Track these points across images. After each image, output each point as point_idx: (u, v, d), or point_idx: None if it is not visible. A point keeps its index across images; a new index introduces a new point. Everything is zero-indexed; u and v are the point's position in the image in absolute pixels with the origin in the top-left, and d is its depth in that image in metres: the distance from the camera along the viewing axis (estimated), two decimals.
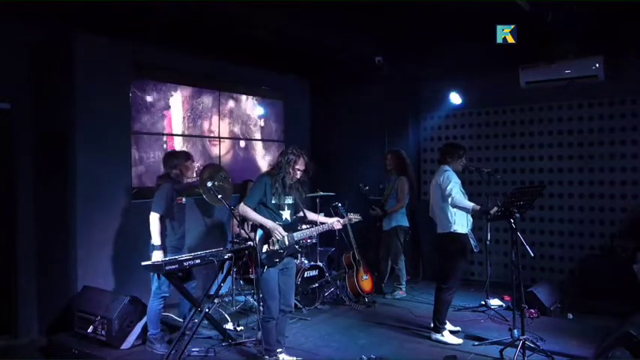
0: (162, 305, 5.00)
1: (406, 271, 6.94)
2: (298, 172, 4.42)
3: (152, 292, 4.98)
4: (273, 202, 4.37)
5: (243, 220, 5.37)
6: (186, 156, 5.26)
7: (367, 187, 6.98)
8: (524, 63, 6.51)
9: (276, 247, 4.33)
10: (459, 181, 5.21)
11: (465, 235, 5.20)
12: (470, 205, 5.01)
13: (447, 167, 5.29)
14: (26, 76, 5.44)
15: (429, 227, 5.68)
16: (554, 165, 7.02)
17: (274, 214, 4.40)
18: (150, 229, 4.88)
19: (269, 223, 4.33)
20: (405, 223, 6.81)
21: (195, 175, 5.45)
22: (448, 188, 5.09)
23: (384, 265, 6.99)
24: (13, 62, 5.32)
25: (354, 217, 4.86)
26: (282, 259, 4.38)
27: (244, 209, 4.39)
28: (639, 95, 6.46)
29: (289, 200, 4.47)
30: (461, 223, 5.14)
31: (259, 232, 4.38)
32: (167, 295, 4.98)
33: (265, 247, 4.33)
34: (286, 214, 4.47)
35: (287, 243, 4.38)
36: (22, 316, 5.43)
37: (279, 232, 4.32)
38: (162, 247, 4.90)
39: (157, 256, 4.85)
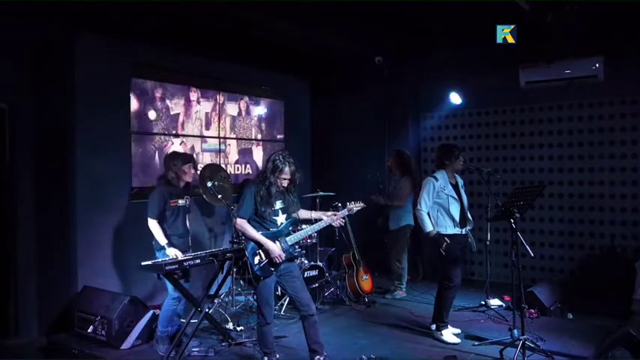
0: (174, 306, 4.89)
1: (407, 270, 6.94)
2: (285, 182, 4.21)
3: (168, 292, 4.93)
4: (263, 209, 4.21)
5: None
6: (184, 159, 4.97)
7: (370, 176, 7.08)
8: (524, 63, 6.50)
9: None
10: (433, 189, 5.09)
11: (450, 236, 5.09)
12: (427, 227, 5.06)
13: (434, 175, 5.20)
14: (26, 75, 5.43)
15: None
16: (554, 165, 7.01)
17: (267, 221, 4.26)
18: (153, 234, 4.82)
19: (270, 244, 4.19)
20: (412, 222, 6.78)
21: (191, 179, 5.10)
22: (419, 196, 5.15)
23: (395, 265, 6.93)
24: (13, 62, 5.31)
25: (355, 206, 4.45)
26: (277, 267, 4.25)
27: (242, 225, 4.22)
28: (639, 95, 6.46)
29: (280, 205, 4.31)
30: (443, 224, 5.12)
31: (250, 243, 4.24)
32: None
33: (257, 259, 4.20)
34: (281, 219, 4.31)
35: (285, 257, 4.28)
36: (22, 316, 5.42)
37: (278, 255, 4.18)
38: (171, 243, 4.79)
39: (172, 253, 4.73)
